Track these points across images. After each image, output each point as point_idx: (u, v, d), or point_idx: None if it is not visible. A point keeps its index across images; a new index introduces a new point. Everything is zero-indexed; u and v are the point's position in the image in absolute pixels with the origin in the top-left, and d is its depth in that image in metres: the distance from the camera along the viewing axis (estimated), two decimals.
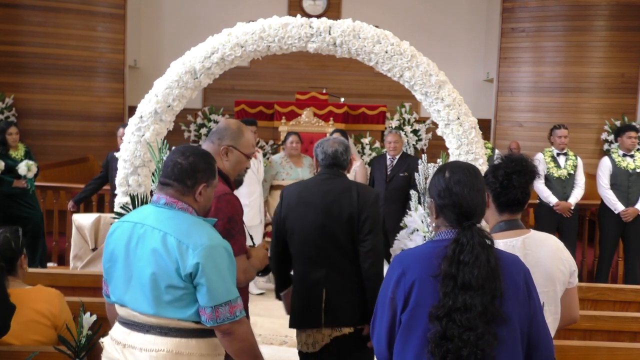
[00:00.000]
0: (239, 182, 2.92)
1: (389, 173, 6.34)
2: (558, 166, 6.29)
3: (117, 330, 2.37)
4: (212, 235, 2.26)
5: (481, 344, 1.87)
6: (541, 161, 6.32)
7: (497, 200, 2.45)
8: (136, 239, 2.27)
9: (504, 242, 2.39)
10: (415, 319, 1.94)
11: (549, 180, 6.28)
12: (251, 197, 6.06)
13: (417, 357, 1.94)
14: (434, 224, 2.10)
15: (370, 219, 3.14)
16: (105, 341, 2.43)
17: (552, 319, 2.36)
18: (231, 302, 2.23)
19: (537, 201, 6.46)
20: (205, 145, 2.87)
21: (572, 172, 6.28)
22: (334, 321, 3.22)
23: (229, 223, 2.61)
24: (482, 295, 1.88)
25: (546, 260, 2.40)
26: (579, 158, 6.38)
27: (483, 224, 2.09)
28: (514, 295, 1.95)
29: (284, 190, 3.39)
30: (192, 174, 2.29)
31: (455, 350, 1.88)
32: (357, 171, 6.16)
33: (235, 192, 2.92)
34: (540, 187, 6.29)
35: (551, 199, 6.23)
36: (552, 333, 2.30)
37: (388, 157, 6.46)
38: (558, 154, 6.34)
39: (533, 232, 2.49)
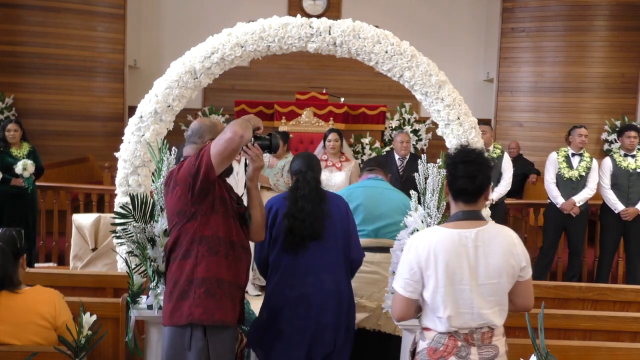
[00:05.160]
0: (229, 171, 2.96)
1: (401, 173, 6.30)
2: (570, 167, 6.22)
3: None
4: None
5: (313, 229, 3.19)
6: (552, 161, 6.29)
7: (449, 188, 2.58)
8: (378, 194, 3.91)
9: (457, 232, 2.47)
10: (279, 232, 3.23)
11: (557, 181, 6.25)
12: None
13: (279, 252, 3.23)
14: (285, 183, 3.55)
15: None
16: None
17: (497, 309, 2.48)
18: None
19: (548, 201, 6.44)
20: (189, 147, 2.96)
21: (583, 174, 6.19)
22: None
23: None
24: (311, 201, 3.23)
25: (496, 254, 2.46)
26: (594, 160, 6.28)
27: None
28: (335, 209, 3.32)
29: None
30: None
31: (298, 234, 3.19)
32: (352, 171, 6.14)
33: None
34: (550, 186, 6.27)
35: (558, 199, 6.20)
36: (501, 322, 2.51)
37: (397, 156, 6.42)
38: (573, 154, 6.26)
39: (489, 224, 2.53)
